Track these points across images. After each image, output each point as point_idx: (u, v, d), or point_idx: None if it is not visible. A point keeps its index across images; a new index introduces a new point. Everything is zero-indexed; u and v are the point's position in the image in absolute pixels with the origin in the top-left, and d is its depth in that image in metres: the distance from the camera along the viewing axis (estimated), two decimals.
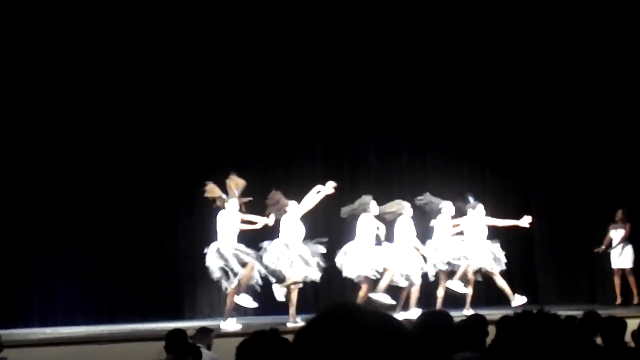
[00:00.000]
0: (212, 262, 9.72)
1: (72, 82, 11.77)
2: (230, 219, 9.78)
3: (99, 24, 11.77)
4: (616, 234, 11.74)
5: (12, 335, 9.55)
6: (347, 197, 10.65)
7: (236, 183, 9.98)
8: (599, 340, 5.06)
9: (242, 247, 9.79)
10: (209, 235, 12.35)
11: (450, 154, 13.29)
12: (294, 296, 9.76)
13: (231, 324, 9.58)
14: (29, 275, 11.57)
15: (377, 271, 9.98)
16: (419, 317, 3.90)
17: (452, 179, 12.88)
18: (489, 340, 4.30)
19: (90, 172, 11.82)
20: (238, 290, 9.62)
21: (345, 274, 10.14)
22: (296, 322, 9.42)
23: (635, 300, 11.53)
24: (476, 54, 13.08)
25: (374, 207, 10.21)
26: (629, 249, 11.66)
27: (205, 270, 12.38)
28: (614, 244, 11.74)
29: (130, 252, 11.93)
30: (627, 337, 5.43)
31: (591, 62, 12.43)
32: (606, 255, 11.87)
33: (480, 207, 10.95)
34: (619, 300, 11.61)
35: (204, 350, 6.36)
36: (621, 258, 11.69)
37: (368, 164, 13.14)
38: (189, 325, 9.02)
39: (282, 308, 10.06)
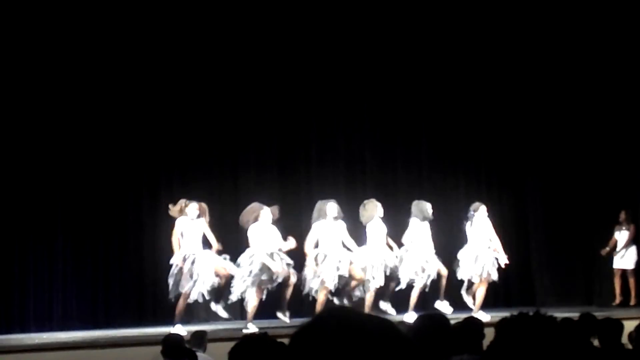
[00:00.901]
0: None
1: (72, 81, 11.72)
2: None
3: (92, 25, 11.75)
4: (620, 235, 11.74)
5: (8, 341, 9.54)
6: (343, 205, 10.60)
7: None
8: (596, 342, 5.07)
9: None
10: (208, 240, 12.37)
11: (445, 161, 13.27)
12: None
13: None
14: (25, 280, 11.52)
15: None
16: (416, 321, 3.90)
17: (448, 187, 12.89)
18: (486, 342, 4.29)
19: (86, 176, 11.78)
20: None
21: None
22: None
23: (633, 302, 11.55)
24: (472, 63, 13.07)
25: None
26: (632, 250, 11.67)
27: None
28: (618, 245, 11.73)
29: (126, 256, 11.90)
30: (624, 339, 5.44)
31: (587, 64, 12.47)
32: (605, 257, 11.87)
33: (483, 209, 10.89)
34: (617, 301, 11.61)
35: (200, 354, 6.35)
36: (623, 259, 11.70)
37: (364, 174, 13.10)
38: (186, 329, 9.01)
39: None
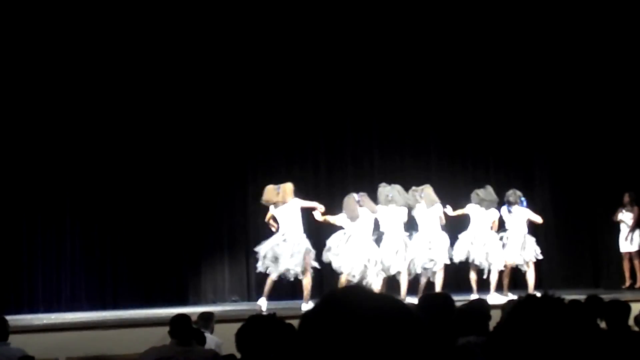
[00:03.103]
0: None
1: (80, 66, 11.76)
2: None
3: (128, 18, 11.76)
4: (624, 216, 11.72)
5: (16, 321, 9.59)
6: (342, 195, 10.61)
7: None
8: (602, 324, 5.07)
9: None
10: (213, 222, 12.42)
11: (453, 148, 13.26)
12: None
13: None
14: (34, 261, 11.59)
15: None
16: (420, 300, 3.90)
17: (456, 174, 12.88)
18: (492, 324, 4.30)
19: (94, 157, 11.82)
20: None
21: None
22: None
23: (639, 285, 11.55)
24: (477, 48, 13.01)
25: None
26: (637, 233, 11.65)
27: (209, 256, 12.48)
28: (622, 228, 11.71)
29: (134, 237, 11.94)
30: (631, 322, 5.45)
31: (591, 50, 12.40)
32: (611, 240, 11.87)
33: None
34: (627, 284, 11.62)
35: (207, 335, 6.39)
36: (629, 242, 11.68)
37: (372, 160, 13.10)
38: (193, 310, 9.05)
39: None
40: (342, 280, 10.01)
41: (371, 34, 12.76)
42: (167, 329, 5.60)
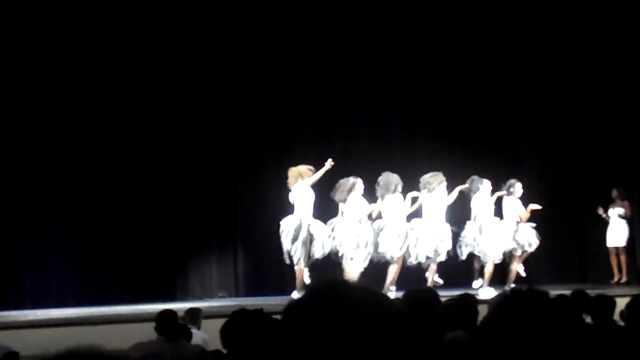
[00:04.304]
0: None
1: (62, 62, 11.70)
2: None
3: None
4: (613, 212, 11.76)
5: (2, 317, 9.55)
6: (338, 180, 10.60)
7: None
8: (588, 319, 5.09)
9: None
10: (201, 218, 12.38)
11: (440, 134, 13.24)
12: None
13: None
14: (20, 257, 11.54)
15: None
16: (404, 295, 3.90)
17: (443, 159, 12.85)
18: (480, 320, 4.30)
19: (81, 153, 11.76)
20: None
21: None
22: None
23: (624, 279, 11.61)
24: (462, 29, 12.94)
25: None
26: (623, 228, 11.70)
27: (196, 253, 12.45)
28: (611, 223, 11.75)
29: (121, 234, 11.90)
30: (616, 316, 5.47)
31: (578, 35, 12.38)
32: (598, 235, 11.93)
33: (488, 184, 11.01)
34: (615, 279, 11.67)
35: (194, 331, 6.37)
36: (615, 237, 11.74)
37: (359, 143, 13.05)
38: (181, 307, 9.03)
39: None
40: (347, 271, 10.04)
41: (356, 17, 12.66)
42: (153, 324, 5.58)
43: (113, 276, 11.88)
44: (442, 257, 10.57)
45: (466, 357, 2.78)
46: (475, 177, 11.08)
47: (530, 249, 11.02)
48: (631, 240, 11.68)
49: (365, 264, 10.28)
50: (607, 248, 11.85)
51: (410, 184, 10.90)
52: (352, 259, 10.10)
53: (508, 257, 11.03)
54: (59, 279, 11.65)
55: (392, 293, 9.76)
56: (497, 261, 10.91)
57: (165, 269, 12.12)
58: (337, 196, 10.25)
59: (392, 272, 10.31)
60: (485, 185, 10.92)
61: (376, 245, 10.24)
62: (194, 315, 7.12)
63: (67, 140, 11.72)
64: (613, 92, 12.18)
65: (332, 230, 10.20)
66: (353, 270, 10.09)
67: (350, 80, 12.91)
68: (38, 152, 11.57)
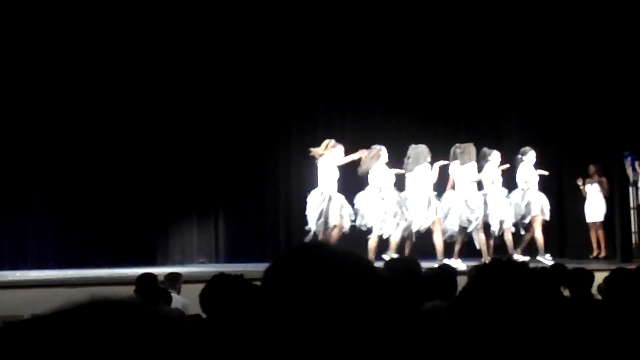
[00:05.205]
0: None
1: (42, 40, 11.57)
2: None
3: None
4: (592, 188, 11.81)
5: None
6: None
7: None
8: (566, 293, 5.13)
9: None
10: (183, 183, 12.34)
11: (423, 111, 13.21)
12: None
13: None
14: (0, 220, 11.49)
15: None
16: (386, 264, 3.91)
17: (426, 138, 12.85)
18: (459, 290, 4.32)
19: (62, 118, 11.69)
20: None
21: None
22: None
23: (603, 254, 11.70)
24: (444, 3, 12.90)
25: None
26: (601, 203, 11.77)
27: (177, 218, 12.43)
28: (588, 198, 11.81)
29: (102, 197, 11.87)
30: (594, 290, 5.52)
31: (560, 9, 12.34)
32: (577, 210, 12.00)
33: (532, 154, 11.05)
34: (594, 254, 11.76)
35: (174, 295, 6.38)
36: (593, 212, 11.81)
37: (343, 121, 13.00)
38: (161, 271, 9.03)
39: None
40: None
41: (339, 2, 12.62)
42: (133, 288, 5.58)
43: (93, 240, 11.85)
44: (473, 226, 10.51)
45: (444, 325, 2.80)
46: (485, 148, 11.03)
47: (544, 217, 10.97)
48: (609, 215, 11.75)
49: (399, 232, 10.13)
50: (586, 223, 11.92)
51: (394, 158, 10.84)
52: (381, 228, 10.06)
53: (527, 227, 10.99)
54: (39, 242, 11.62)
55: (457, 262, 9.83)
56: (512, 230, 10.86)
57: (146, 234, 12.09)
58: (364, 166, 10.20)
59: (438, 240, 10.27)
60: (495, 155, 10.87)
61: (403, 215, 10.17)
62: (174, 280, 7.14)
63: (49, 105, 11.64)
64: (595, 67, 12.16)
65: (356, 202, 10.14)
66: (391, 236, 10.02)
67: (335, 56, 12.81)
68: (19, 116, 11.49)
